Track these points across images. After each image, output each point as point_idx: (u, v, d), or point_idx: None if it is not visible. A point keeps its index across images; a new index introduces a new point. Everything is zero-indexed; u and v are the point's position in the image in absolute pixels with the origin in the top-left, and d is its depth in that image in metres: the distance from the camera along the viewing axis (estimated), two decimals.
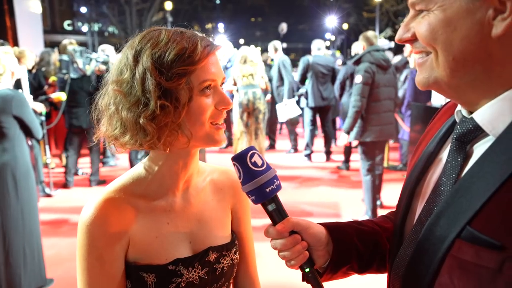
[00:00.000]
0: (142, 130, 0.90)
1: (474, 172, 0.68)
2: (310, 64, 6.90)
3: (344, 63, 8.35)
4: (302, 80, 7.12)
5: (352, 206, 5.04)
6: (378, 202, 4.75)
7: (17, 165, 2.93)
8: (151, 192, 1.01)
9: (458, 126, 0.75)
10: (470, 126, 0.72)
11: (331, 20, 29.30)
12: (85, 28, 28.96)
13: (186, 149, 0.98)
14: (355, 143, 4.51)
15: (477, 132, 0.72)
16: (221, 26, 39.44)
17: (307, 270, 0.91)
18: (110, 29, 34.76)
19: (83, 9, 27.88)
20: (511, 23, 0.63)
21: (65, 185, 5.90)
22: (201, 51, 0.91)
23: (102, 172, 6.42)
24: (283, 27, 9.86)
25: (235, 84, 6.03)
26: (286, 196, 5.44)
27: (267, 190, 0.86)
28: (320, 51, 7.05)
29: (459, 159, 0.74)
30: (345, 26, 33.72)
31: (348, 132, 4.40)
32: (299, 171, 6.73)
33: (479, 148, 0.72)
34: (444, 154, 0.81)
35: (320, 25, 32.40)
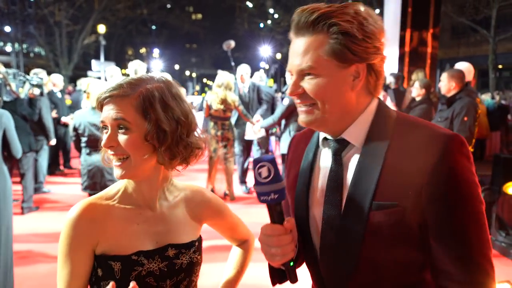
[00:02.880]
0: None
1: (360, 169, 1.05)
2: None
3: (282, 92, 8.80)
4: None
5: None
6: None
7: None
8: (129, 201, 1.24)
9: (331, 144, 1.12)
10: (340, 143, 1.10)
11: (265, 50, 30.45)
12: (9, 48, 27.35)
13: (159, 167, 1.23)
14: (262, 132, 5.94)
15: (345, 145, 1.09)
16: (156, 51, 39.24)
17: (291, 264, 1.06)
18: (37, 49, 33.13)
19: (7, 28, 26.33)
20: (363, 82, 1.06)
21: None
22: (102, 97, 1.16)
23: (34, 199, 6.13)
24: (231, 43, 9.48)
25: (208, 108, 6.14)
26: None
27: (285, 193, 1.04)
28: (262, 82, 7.83)
29: (338, 166, 1.10)
30: (279, 56, 35.21)
31: (264, 127, 5.83)
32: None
33: (349, 155, 1.09)
34: (322, 166, 1.15)
35: (254, 54, 33.53)
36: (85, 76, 13.09)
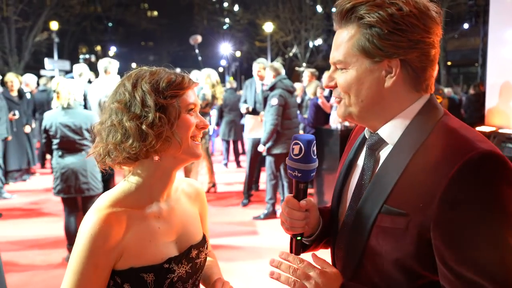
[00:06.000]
0: (143, 135, 1.12)
1: (383, 168, 1.02)
2: None
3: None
4: None
5: (268, 223, 5.36)
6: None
7: None
8: (141, 202, 1.19)
9: (368, 139, 1.10)
10: (376, 138, 1.07)
11: (225, 47, 30.31)
12: None
13: (174, 160, 1.19)
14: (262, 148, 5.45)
15: (381, 143, 1.06)
16: (113, 49, 38.02)
17: (298, 238, 1.14)
18: None
19: None
20: (396, 80, 1.00)
21: None
22: (187, 82, 1.19)
23: None
24: (197, 38, 9.31)
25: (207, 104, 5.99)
26: None
27: (312, 175, 1.09)
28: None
29: (371, 162, 1.08)
30: (238, 54, 35.15)
31: (265, 144, 5.37)
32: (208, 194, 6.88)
33: (383, 153, 1.06)
34: (360, 161, 1.15)
35: (214, 51, 33.29)
36: (38, 75, 12.46)
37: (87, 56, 7.31)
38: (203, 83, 6.02)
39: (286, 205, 1.12)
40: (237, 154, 9.19)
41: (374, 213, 0.99)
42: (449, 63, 27.29)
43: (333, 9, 1.05)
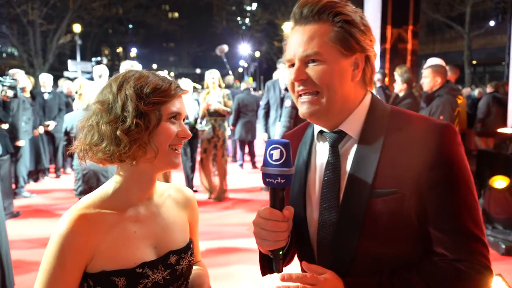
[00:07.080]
0: (117, 140, 1.11)
1: (358, 159, 1.08)
2: None
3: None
4: None
5: None
6: None
7: None
8: (119, 204, 1.18)
9: (329, 137, 1.14)
10: (337, 135, 1.12)
11: (244, 48, 30.39)
12: None
13: (151, 166, 1.18)
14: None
15: (342, 138, 1.12)
16: (134, 50, 38.62)
17: (280, 252, 1.07)
18: (9, 50, 32.19)
19: None
20: (360, 73, 1.11)
21: None
22: (174, 90, 1.17)
23: (15, 204, 5.92)
24: (224, 48, 9.45)
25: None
26: (212, 219, 5.52)
27: (292, 180, 1.04)
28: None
29: (336, 158, 1.12)
30: (258, 54, 35.17)
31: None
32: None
33: (347, 147, 1.12)
34: (316, 162, 1.18)
35: (233, 52, 33.41)
36: (61, 76, 12.75)
37: (98, 58, 7.35)
38: (212, 85, 6.08)
39: (270, 217, 1.04)
40: (252, 155, 9.16)
41: (364, 201, 1.04)
42: (474, 61, 26.62)
43: (296, 11, 1.10)
